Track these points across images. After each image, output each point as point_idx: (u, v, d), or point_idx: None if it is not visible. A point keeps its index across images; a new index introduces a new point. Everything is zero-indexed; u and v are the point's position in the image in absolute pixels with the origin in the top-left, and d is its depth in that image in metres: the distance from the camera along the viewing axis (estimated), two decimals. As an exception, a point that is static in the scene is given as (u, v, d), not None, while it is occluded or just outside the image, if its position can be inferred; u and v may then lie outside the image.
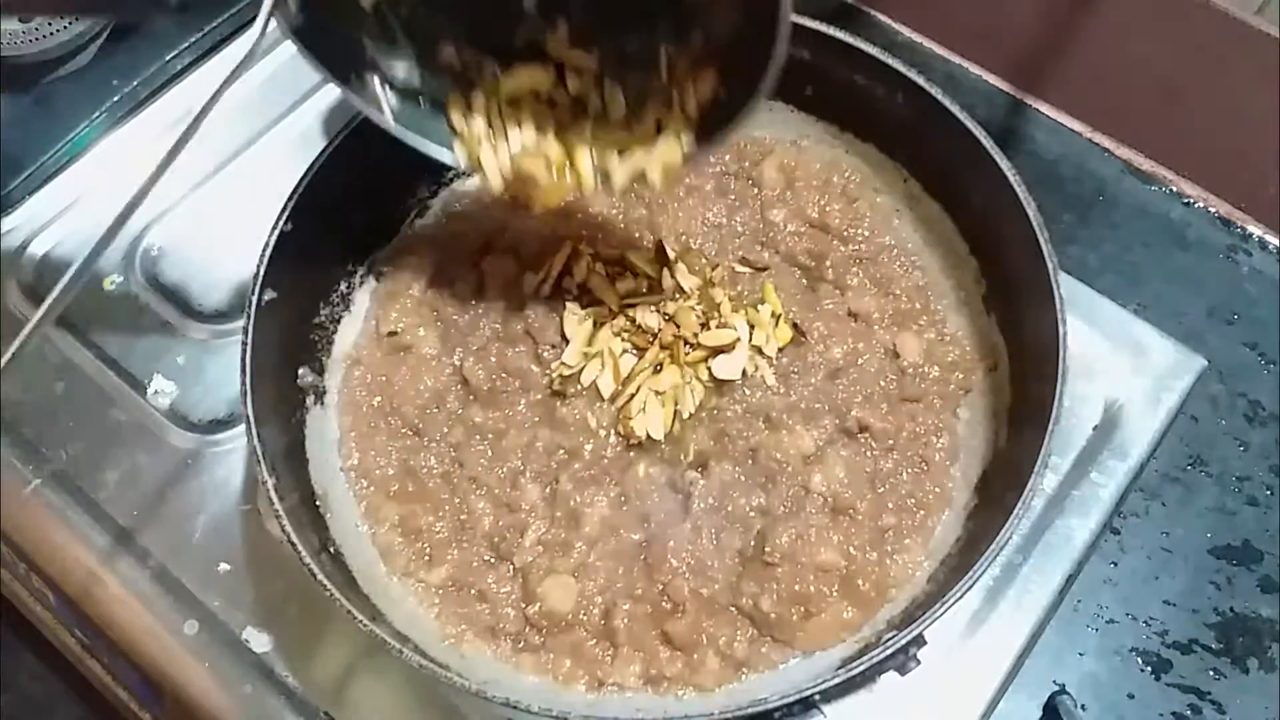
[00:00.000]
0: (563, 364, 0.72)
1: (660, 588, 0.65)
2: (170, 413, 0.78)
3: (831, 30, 0.72)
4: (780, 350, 0.73)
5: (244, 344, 0.64)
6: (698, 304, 0.73)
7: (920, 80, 0.70)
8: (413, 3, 0.63)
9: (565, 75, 0.66)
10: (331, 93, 0.93)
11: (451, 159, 0.67)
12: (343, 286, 0.76)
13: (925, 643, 0.61)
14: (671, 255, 0.75)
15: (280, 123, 0.91)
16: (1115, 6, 0.83)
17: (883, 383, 0.72)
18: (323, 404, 0.73)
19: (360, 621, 0.57)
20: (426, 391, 0.73)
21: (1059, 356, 0.62)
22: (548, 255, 0.75)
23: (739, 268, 0.77)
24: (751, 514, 0.68)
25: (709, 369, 0.71)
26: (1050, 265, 0.64)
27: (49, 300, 0.53)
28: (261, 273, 0.65)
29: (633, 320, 0.73)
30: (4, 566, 0.79)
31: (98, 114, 0.89)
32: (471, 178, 0.80)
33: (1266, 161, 0.83)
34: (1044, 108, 0.93)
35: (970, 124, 0.69)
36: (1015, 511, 0.59)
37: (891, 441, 0.70)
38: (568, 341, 0.72)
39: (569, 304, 0.73)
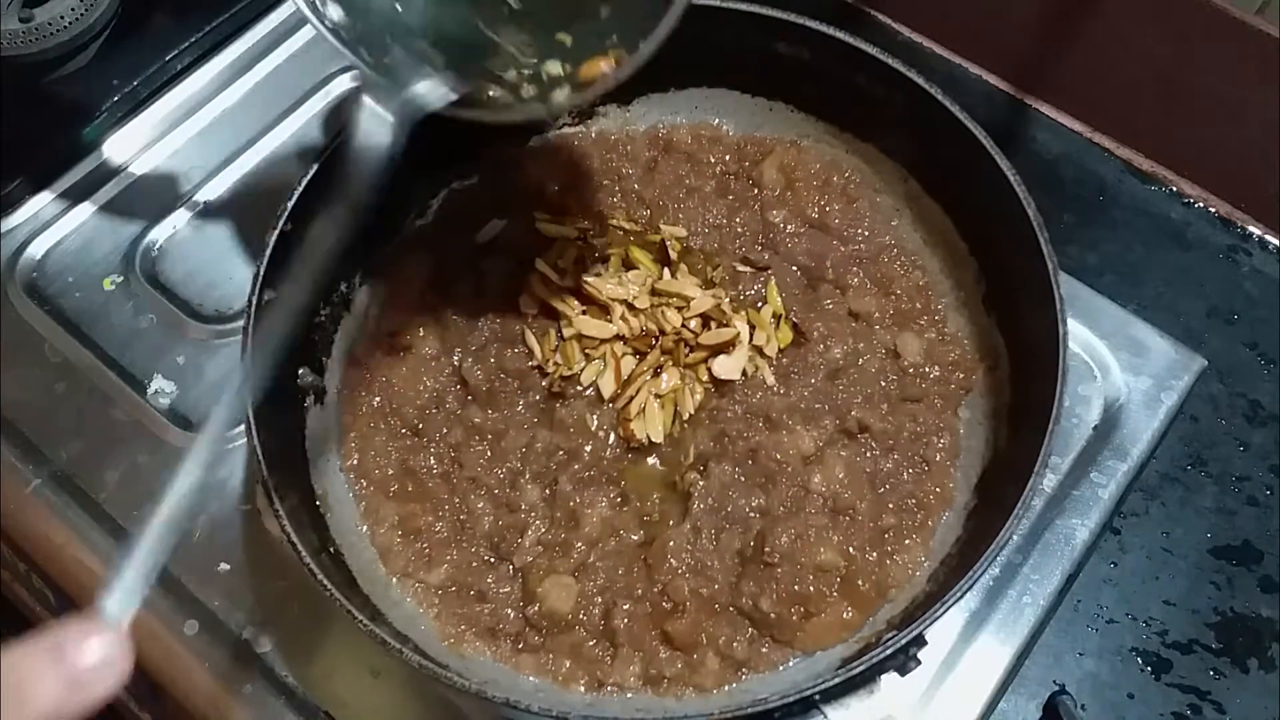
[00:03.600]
0: (562, 365, 0.72)
1: (660, 588, 0.65)
2: (170, 413, 0.78)
3: (831, 30, 0.72)
4: (780, 350, 0.73)
5: (244, 344, 0.64)
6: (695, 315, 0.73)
7: (920, 80, 0.70)
8: None
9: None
10: (331, 93, 0.93)
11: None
12: (343, 286, 0.76)
13: (925, 643, 0.61)
14: (673, 255, 0.76)
15: (280, 123, 0.91)
16: (1115, 6, 0.82)
17: (883, 383, 0.72)
18: (323, 404, 0.73)
19: (360, 621, 0.57)
20: (426, 392, 0.73)
21: (1059, 356, 0.62)
22: (548, 255, 0.75)
23: (739, 267, 0.76)
24: (751, 514, 0.67)
25: (709, 370, 0.72)
26: (1050, 265, 0.64)
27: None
28: (261, 273, 0.65)
29: (633, 321, 0.73)
30: (4, 566, 0.79)
31: (98, 114, 0.89)
32: (471, 179, 0.80)
33: (1266, 161, 0.83)
34: (1044, 108, 0.93)
35: (970, 124, 0.69)
36: (1015, 511, 0.59)
37: (892, 441, 0.70)
38: (566, 342, 0.72)
39: (570, 303, 0.73)
